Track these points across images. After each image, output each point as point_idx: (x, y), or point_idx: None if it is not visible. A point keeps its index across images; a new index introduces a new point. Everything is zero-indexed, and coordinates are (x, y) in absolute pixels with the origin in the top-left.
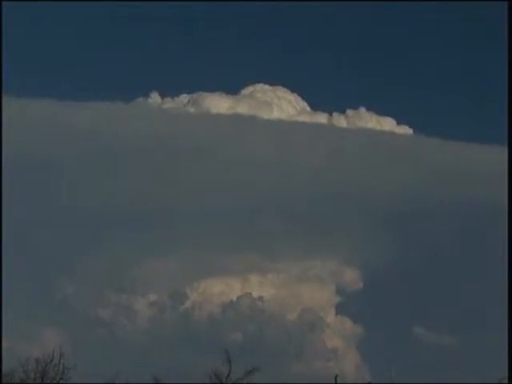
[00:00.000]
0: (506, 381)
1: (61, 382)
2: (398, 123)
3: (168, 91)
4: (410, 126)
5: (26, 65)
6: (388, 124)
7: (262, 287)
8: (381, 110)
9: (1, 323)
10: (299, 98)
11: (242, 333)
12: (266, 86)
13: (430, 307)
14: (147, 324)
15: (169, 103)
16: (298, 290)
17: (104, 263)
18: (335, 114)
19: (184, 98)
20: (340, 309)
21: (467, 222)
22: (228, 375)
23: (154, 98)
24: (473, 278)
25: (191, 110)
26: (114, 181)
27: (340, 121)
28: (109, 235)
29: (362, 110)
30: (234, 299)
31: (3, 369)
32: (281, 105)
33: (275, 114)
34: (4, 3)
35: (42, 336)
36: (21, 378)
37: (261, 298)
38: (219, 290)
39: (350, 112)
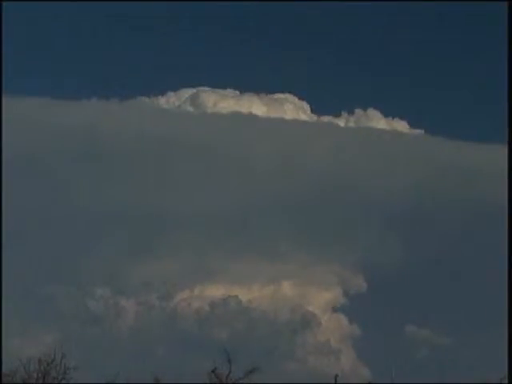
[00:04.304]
0: (506, 381)
1: (62, 382)
2: (400, 122)
3: (165, 89)
4: (416, 126)
5: (24, 64)
6: (391, 123)
7: (262, 289)
8: (384, 110)
9: (0, 323)
10: (303, 102)
11: (243, 333)
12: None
13: (431, 307)
14: (146, 325)
15: (166, 101)
16: (298, 292)
17: (101, 264)
18: (343, 113)
19: (182, 96)
20: (341, 310)
21: (469, 222)
22: (228, 375)
23: (150, 96)
24: (475, 278)
25: (189, 108)
26: (110, 180)
27: (344, 120)
28: (106, 236)
29: (370, 109)
30: (233, 300)
31: (4, 369)
32: (285, 107)
33: (278, 115)
34: (4, 3)
35: (39, 336)
36: (23, 378)
37: (261, 300)
38: (218, 293)
39: (357, 112)
